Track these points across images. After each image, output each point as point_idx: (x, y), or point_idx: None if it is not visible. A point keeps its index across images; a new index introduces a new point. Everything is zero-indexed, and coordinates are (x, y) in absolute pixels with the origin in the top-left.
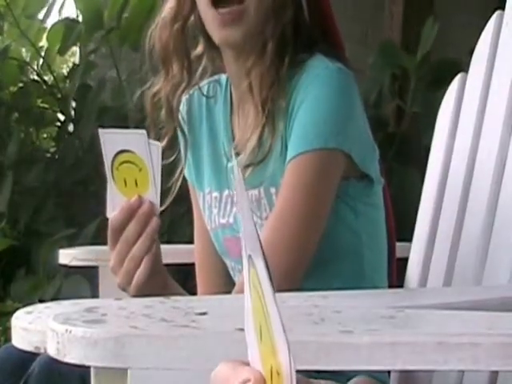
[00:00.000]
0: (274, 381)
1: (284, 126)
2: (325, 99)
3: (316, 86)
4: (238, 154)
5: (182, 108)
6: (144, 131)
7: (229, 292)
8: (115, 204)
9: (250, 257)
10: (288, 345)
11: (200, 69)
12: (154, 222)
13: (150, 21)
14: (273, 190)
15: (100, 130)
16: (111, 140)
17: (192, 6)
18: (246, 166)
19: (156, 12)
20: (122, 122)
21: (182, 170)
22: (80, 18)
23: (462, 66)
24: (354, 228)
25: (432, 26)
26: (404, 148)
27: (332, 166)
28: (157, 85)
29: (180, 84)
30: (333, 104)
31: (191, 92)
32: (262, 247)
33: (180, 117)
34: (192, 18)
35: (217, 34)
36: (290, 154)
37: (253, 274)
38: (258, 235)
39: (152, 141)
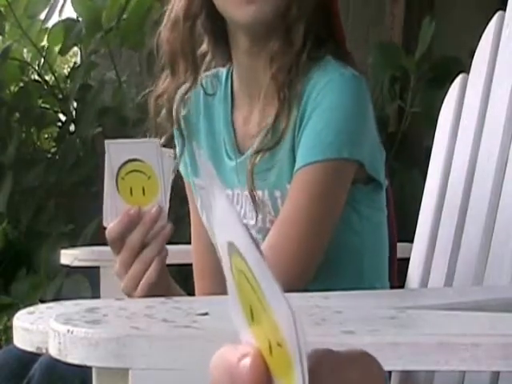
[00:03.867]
0: (274, 353)
1: (296, 116)
2: (340, 107)
3: (331, 92)
4: (240, 153)
5: (180, 105)
6: (157, 140)
7: (226, 292)
8: (118, 213)
9: (230, 244)
10: (292, 311)
11: (203, 66)
12: (168, 227)
13: (148, 21)
14: (278, 194)
15: (106, 141)
16: (117, 150)
17: (202, 4)
18: (256, 152)
19: (154, 13)
20: (122, 123)
21: (176, 166)
22: (80, 19)
23: (462, 64)
24: (357, 230)
25: (429, 25)
26: (405, 148)
27: (344, 175)
28: (162, 86)
29: (183, 84)
30: (348, 113)
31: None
32: (244, 228)
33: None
34: (200, 17)
35: (242, 11)
36: (302, 160)
37: (235, 259)
38: (240, 220)
39: (165, 149)
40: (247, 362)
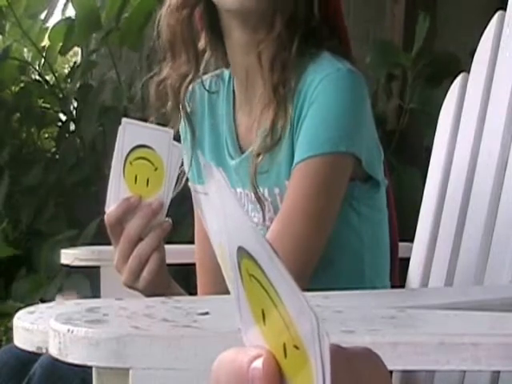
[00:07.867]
0: (289, 355)
1: (293, 113)
2: (337, 102)
3: (327, 88)
4: (242, 152)
5: (185, 98)
6: (171, 130)
7: (229, 292)
8: (119, 199)
9: (240, 248)
10: (311, 309)
11: (203, 63)
12: (167, 224)
13: (149, 22)
14: (276, 191)
15: (123, 119)
16: (132, 132)
17: None
18: (258, 153)
19: (155, 15)
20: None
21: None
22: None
23: (459, 60)
24: (356, 229)
25: (424, 21)
26: (403, 145)
27: (341, 169)
28: (163, 72)
29: (187, 74)
30: (345, 107)
31: (192, 87)
32: (256, 231)
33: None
34: (198, 7)
35: None
36: (299, 156)
37: (246, 264)
38: (252, 223)
39: (175, 142)
40: (259, 363)
